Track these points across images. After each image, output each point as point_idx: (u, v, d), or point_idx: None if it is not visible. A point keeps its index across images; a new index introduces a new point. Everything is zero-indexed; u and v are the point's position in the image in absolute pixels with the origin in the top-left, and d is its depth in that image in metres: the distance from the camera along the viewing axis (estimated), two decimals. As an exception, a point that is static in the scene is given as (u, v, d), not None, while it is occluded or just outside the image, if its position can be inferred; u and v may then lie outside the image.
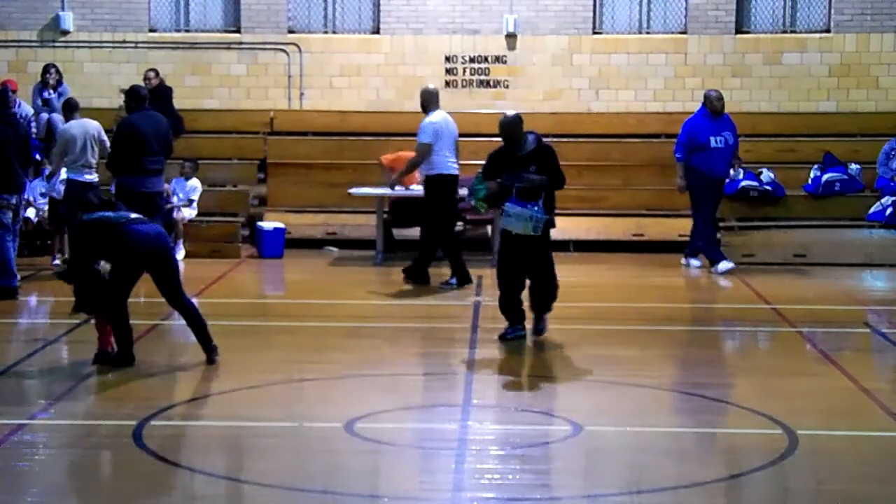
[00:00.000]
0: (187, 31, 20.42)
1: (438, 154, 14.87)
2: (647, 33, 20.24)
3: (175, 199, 17.33)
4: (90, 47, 20.22)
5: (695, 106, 18.79)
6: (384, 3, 20.08)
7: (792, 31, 20.19)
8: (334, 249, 17.95)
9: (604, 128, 19.71)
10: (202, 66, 20.23)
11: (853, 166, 18.30)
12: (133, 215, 10.73)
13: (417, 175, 15.71)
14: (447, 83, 20.09)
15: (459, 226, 17.22)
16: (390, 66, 20.10)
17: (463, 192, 15.46)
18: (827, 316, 13.59)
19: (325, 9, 20.41)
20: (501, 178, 11.45)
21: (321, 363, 10.99)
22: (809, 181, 18.24)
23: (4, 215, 13.89)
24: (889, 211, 17.38)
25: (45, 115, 18.30)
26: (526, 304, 11.85)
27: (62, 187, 15.66)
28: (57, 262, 15.46)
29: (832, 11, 20.00)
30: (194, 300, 11.36)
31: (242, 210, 18.40)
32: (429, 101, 15.15)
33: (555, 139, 18.74)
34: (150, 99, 15.55)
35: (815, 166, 18.39)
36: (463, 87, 20.17)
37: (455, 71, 20.17)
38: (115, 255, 10.52)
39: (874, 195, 17.89)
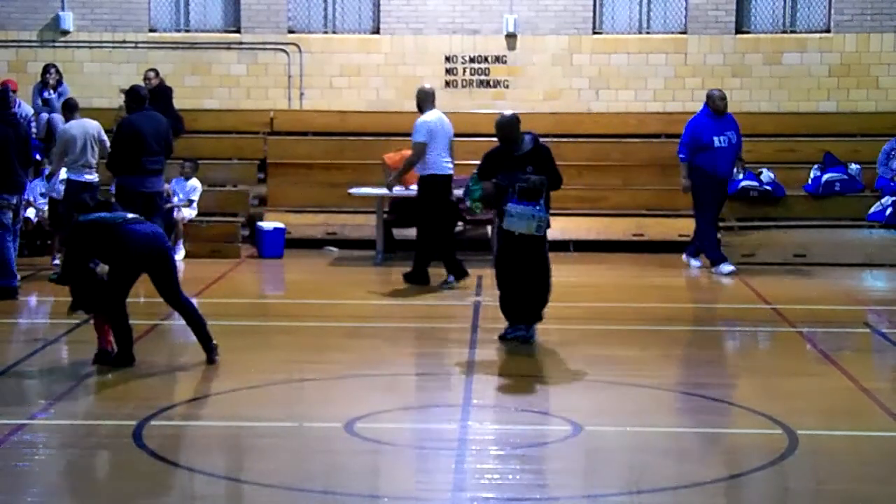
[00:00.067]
0: (187, 31, 20.43)
1: (432, 153, 14.86)
2: (647, 33, 20.24)
3: (175, 200, 17.33)
4: (90, 47, 20.22)
5: (695, 106, 18.82)
6: (384, 3, 20.08)
7: (792, 31, 20.19)
8: (334, 249, 17.95)
9: (604, 128, 19.71)
10: (202, 66, 20.23)
11: (853, 166, 18.30)
12: (130, 215, 10.71)
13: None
14: (447, 83, 20.09)
15: (459, 226, 17.26)
16: (390, 66, 20.11)
17: (458, 192, 15.49)
18: (827, 316, 13.59)
19: (325, 9, 20.41)
20: (497, 178, 11.41)
21: (321, 363, 10.99)
22: (809, 181, 18.25)
23: (4, 215, 13.89)
24: (889, 211, 17.38)
25: (45, 115, 18.30)
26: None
27: (62, 187, 15.65)
28: (57, 261, 15.46)
29: (832, 11, 20.00)
30: (194, 300, 11.36)
31: (242, 210, 18.40)
32: (424, 100, 15.15)
33: (555, 139, 18.80)
34: (150, 99, 15.55)
35: (815, 166, 18.39)
36: (463, 87, 20.17)
37: (455, 71, 20.18)
38: (113, 255, 10.51)
39: (874, 195, 17.89)
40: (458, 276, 14.88)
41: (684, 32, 20.11)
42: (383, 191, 16.21)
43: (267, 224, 17.61)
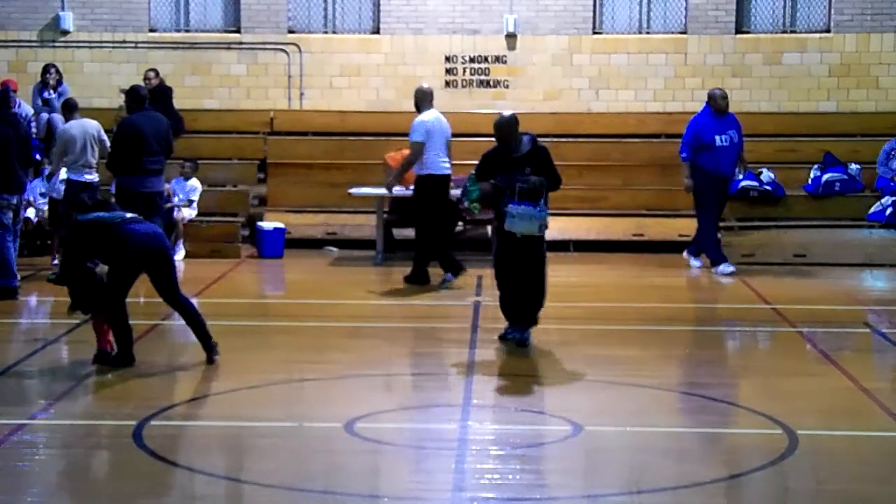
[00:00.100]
0: (187, 31, 20.43)
1: (430, 153, 14.86)
2: (647, 33, 20.24)
3: (175, 200, 17.32)
4: (90, 47, 20.22)
5: (695, 106, 18.82)
6: (384, 3, 20.08)
7: (792, 31, 20.19)
8: (334, 249, 17.95)
9: (604, 128, 19.71)
10: (202, 66, 20.23)
11: (853, 166, 18.30)
12: (129, 215, 10.71)
13: None
14: (447, 83, 20.10)
15: (460, 226, 17.26)
16: (390, 66, 20.11)
17: (456, 192, 15.50)
18: (827, 316, 13.59)
19: (325, 9, 20.41)
20: (495, 179, 11.37)
21: (321, 363, 10.99)
22: (809, 181, 18.25)
23: (5, 215, 13.89)
24: (889, 211, 17.38)
25: (45, 115, 18.30)
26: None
27: (62, 187, 15.65)
28: (56, 261, 15.46)
29: (832, 11, 20.00)
30: (194, 300, 11.37)
31: (242, 210, 18.40)
32: (422, 100, 15.15)
33: (555, 139, 18.82)
34: (150, 99, 15.55)
35: (815, 166, 18.39)
36: (463, 87, 20.17)
37: (455, 71, 20.18)
38: (113, 255, 10.50)
39: (874, 195, 17.89)
40: (455, 271, 14.87)
41: (684, 32, 20.12)
42: (383, 191, 16.20)
43: (267, 224, 17.61)
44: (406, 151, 16.00)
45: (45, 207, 16.74)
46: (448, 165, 15.10)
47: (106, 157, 15.23)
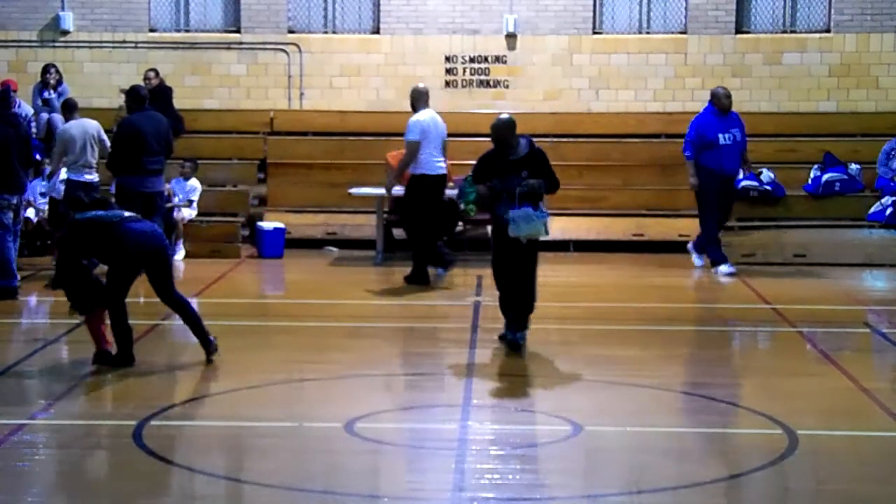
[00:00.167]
0: (187, 31, 20.43)
1: (424, 153, 14.87)
2: (647, 33, 20.24)
3: (175, 200, 17.32)
4: (90, 47, 20.22)
5: (695, 106, 18.84)
6: (384, 3, 20.08)
7: (792, 31, 20.19)
8: (334, 249, 17.94)
9: (604, 128, 19.70)
10: (202, 66, 20.24)
11: (853, 166, 18.30)
12: (127, 213, 10.70)
13: None
14: (447, 83, 20.10)
15: (460, 226, 17.26)
16: (390, 66, 20.10)
17: (452, 192, 15.50)
18: (827, 316, 13.59)
19: (325, 9, 20.41)
20: (492, 182, 11.34)
21: (321, 363, 10.99)
22: (809, 181, 18.25)
23: (5, 215, 13.89)
24: (889, 211, 17.38)
25: (45, 115, 18.31)
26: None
27: (62, 187, 15.65)
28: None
29: (832, 11, 20.00)
30: (194, 300, 11.38)
31: (242, 210, 18.40)
32: (418, 99, 15.16)
33: (555, 139, 18.87)
34: (150, 99, 15.55)
35: (815, 166, 18.39)
36: (463, 87, 20.17)
37: (455, 71, 20.18)
38: (112, 254, 10.49)
39: (874, 195, 17.89)
40: (444, 265, 14.85)
41: (684, 32, 20.12)
42: (383, 191, 16.20)
43: (267, 224, 17.61)
44: (405, 151, 16.01)
45: (46, 207, 16.73)
46: (443, 165, 15.10)
47: (106, 157, 15.23)
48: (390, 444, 8.84)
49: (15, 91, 16.81)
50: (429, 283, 14.90)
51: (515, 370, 11.02)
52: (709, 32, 20.01)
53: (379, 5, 20.14)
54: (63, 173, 15.64)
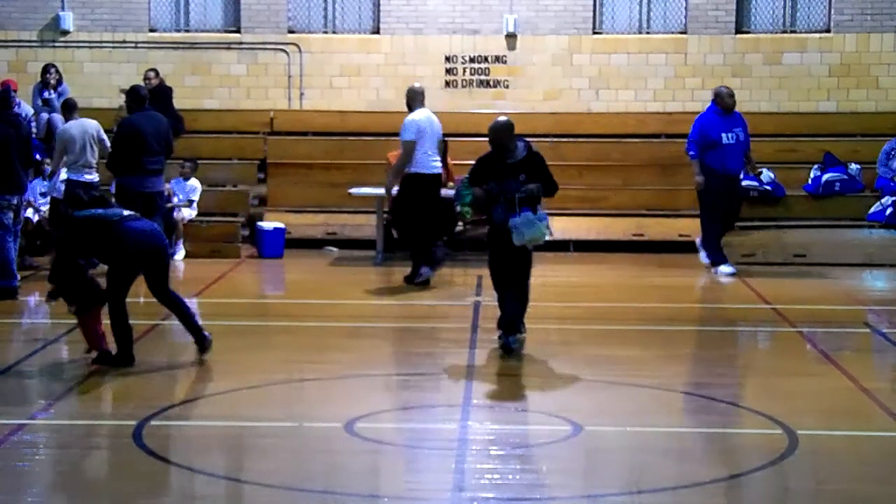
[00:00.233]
0: (187, 31, 20.43)
1: (420, 152, 14.86)
2: (647, 33, 20.24)
3: (175, 200, 17.32)
4: (90, 47, 20.23)
5: (695, 106, 18.85)
6: (384, 3, 20.08)
7: (792, 31, 20.19)
8: (334, 249, 17.94)
9: (604, 128, 19.70)
10: (202, 66, 20.24)
11: (853, 166, 18.30)
12: (126, 212, 10.70)
13: None
14: (447, 83, 20.10)
15: (459, 226, 17.26)
16: (390, 66, 20.10)
17: (449, 192, 15.50)
18: (827, 316, 13.59)
19: (325, 9, 20.41)
20: (488, 185, 11.30)
21: (321, 363, 10.99)
22: (809, 181, 18.25)
23: (5, 216, 13.88)
24: (889, 211, 17.38)
25: (45, 115, 18.31)
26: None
27: (63, 187, 15.66)
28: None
29: (832, 11, 20.00)
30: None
31: (242, 210, 18.40)
32: (413, 99, 15.16)
33: (555, 139, 18.88)
34: (150, 99, 15.55)
35: (815, 166, 18.39)
36: (463, 87, 20.17)
37: (455, 71, 20.18)
38: (111, 253, 10.48)
39: (874, 195, 17.90)
40: (432, 265, 14.84)
41: (684, 32, 20.11)
42: (383, 191, 16.20)
43: (267, 224, 17.61)
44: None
45: (45, 207, 16.73)
46: (438, 164, 15.09)
47: (106, 157, 15.24)
48: (390, 444, 8.84)
49: (15, 91, 16.80)
50: (429, 283, 14.89)
51: (515, 370, 11.02)
52: (709, 32, 20.01)
53: (379, 5, 20.15)
54: (63, 173, 15.64)
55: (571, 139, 19.27)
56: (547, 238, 11.26)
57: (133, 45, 20.18)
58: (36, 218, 16.98)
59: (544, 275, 14.97)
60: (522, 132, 12.04)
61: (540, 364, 11.18)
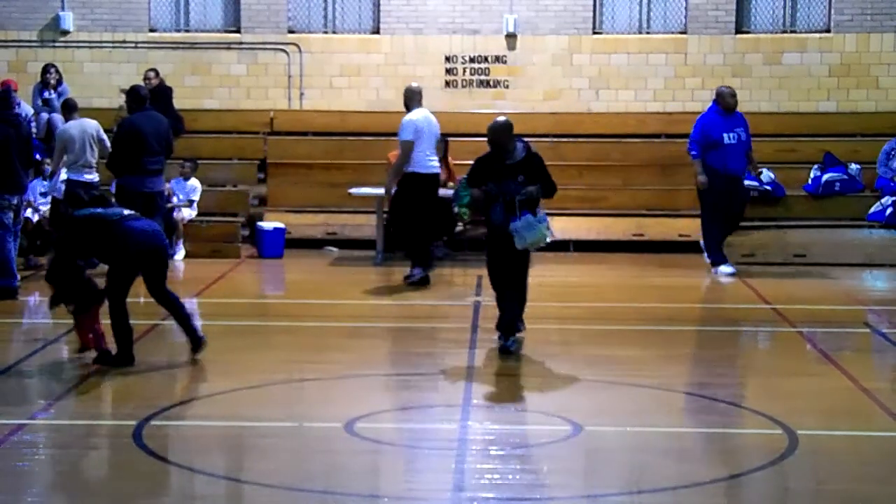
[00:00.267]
0: (187, 31, 20.43)
1: (417, 152, 14.86)
2: (647, 33, 20.24)
3: (175, 200, 17.32)
4: (90, 47, 20.23)
5: (695, 106, 18.86)
6: (384, 3, 20.08)
7: (792, 31, 20.19)
8: (334, 249, 17.94)
9: (604, 128, 19.70)
10: (202, 66, 20.24)
11: (853, 166, 18.30)
12: (127, 212, 10.70)
13: None
14: (447, 83, 20.10)
15: (459, 226, 17.26)
16: (390, 66, 20.10)
17: (446, 192, 15.52)
18: (827, 316, 13.59)
19: (325, 9, 20.41)
20: (487, 185, 11.28)
21: (321, 363, 10.99)
22: (809, 181, 18.25)
23: (5, 216, 13.88)
24: (889, 211, 17.38)
25: (45, 115, 18.31)
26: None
27: (63, 187, 15.67)
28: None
29: (832, 11, 20.00)
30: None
31: (242, 210, 18.40)
32: (411, 98, 15.16)
33: (555, 139, 18.88)
34: (151, 99, 15.55)
35: (815, 166, 18.39)
36: (463, 87, 20.17)
37: (455, 71, 20.18)
38: (111, 253, 10.48)
39: (874, 195, 17.90)
40: (425, 266, 14.82)
41: (684, 32, 20.12)
42: (383, 191, 16.20)
43: (267, 224, 17.61)
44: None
45: (45, 207, 16.73)
46: (436, 164, 15.09)
47: (106, 157, 15.24)
48: (390, 444, 8.84)
49: (15, 91, 16.80)
50: (429, 283, 14.90)
51: (515, 370, 11.03)
52: (709, 32, 20.01)
53: (379, 5, 20.15)
54: (63, 173, 15.64)
55: (571, 139, 19.27)
56: (549, 240, 11.23)
57: (133, 45, 20.18)
58: (36, 218, 16.97)
59: (544, 275, 15.00)
60: (522, 132, 12.04)
61: (540, 364, 11.18)
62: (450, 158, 17.17)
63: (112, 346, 10.66)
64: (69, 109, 16.01)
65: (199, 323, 12.86)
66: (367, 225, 17.69)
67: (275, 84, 20.21)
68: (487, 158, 11.36)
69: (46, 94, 18.55)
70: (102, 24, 20.22)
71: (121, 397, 9.89)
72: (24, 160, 14.08)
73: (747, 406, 9.78)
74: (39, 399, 9.89)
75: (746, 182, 17.50)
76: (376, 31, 20.25)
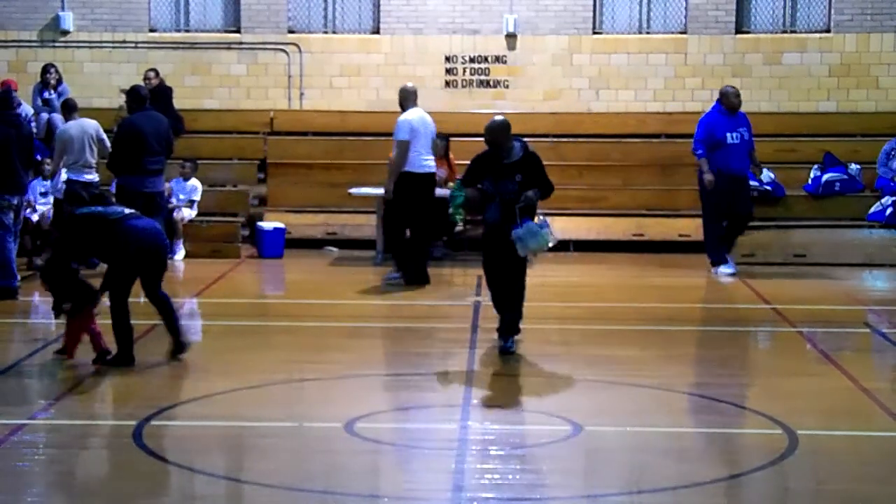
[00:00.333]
0: (187, 31, 20.43)
1: (412, 151, 14.86)
2: (647, 33, 20.24)
3: (174, 200, 17.31)
4: (90, 47, 20.23)
5: (695, 106, 18.88)
6: (384, 3, 20.09)
7: (792, 31, 20.19)
8: (334, 249, 17.95)
9: (604, 128, 19.70)
10: (202, 66, 20.24)
11: (853, 166, 18.30)
12: (128, 211, 10.69)
13: None
14: (447, 83, 20.10)
15: (459, 226, 17.26)
16: (390, 66, 20.10)
17: (442, 192, 15.50)
18: (827, 316, 13.59)
19: (325, 9, 20.42)
20: (483, 185, 11.27)
21: (321, 363, 10.99)
22: (809, 181, 18.25)
23: (6, 216, 13.87)
24: (889, 211, 17.38)
25: (45, 115, 18.31)
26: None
27: (63, 188, 15.67)
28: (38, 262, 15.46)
29: (832, 11, 20.00)
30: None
31: (242, 210, 18.40)
32: (406, 98, 15.16)
33: (555, 139, 18.89)
34: (151, 99, 15.55)
35: (815, 166, 18.39)
36: (463, 87, 20.17)
37: (455, 71, 20.18)
38: (112, 252, 10.47)
39: (874, 195, 17.90)
40: (406, 276, 14.81)
41: (684, 32, 20.12)
42: (383, 191, 16.19)
43: (267, 224, 17.61)
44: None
45: (45, 207, 16.72)
46: (431, 164, 15.08)
47: (106, 157, 15.24)
48: (390, 444, 8.85)
49: (15, 91, 16.79)
50: (429, 283, 14.89)
51: (515, 370, 11.02)
52: (709, 32, 20.01)
53: (379, 5, 20.15)
54: (64, 174, 15.64)
55: (571, 139, 19.27)
56: (550, 245, 11.20)
57: (133, 45, 20.19)
58: (35, 217, 16.97)
59: (544, 275, 15.00)
60: (522, 132, 12.04)
61: (540, 364, 11.18)
62: (451, 156, 17.16)
63: (111, 345, 10.65)
64: (69, 109, 16.01)
65: (199, 323, 12.92)
66: (367, 225, 17.69)
67: (275, 84, 20.21)
68: (485, 157, 11.32)
69: (46, 94, 18.55)
70: (102, 24, 20.23)
71: (121, 397, 9.90)
72: (24, 160, 14.07)
73: (747, 406, 9.78)
74: (39, 399, 9.89)
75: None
76: (376, 31, 20.25)
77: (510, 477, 7.97)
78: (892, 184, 17.79)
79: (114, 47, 20.21)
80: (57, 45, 20.20)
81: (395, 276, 14.89)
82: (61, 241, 10.68)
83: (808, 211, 17.95)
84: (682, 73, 20.04)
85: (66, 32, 20.21)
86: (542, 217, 11.24)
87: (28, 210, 16.51)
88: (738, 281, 15.63)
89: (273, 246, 17.34)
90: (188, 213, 17.42)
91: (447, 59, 20.17)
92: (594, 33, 20.16)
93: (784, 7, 20.21)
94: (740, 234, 16.48)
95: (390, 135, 18.62)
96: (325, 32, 20.37)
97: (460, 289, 15.17)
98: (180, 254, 16.95)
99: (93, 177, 15.56)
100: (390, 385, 10.55)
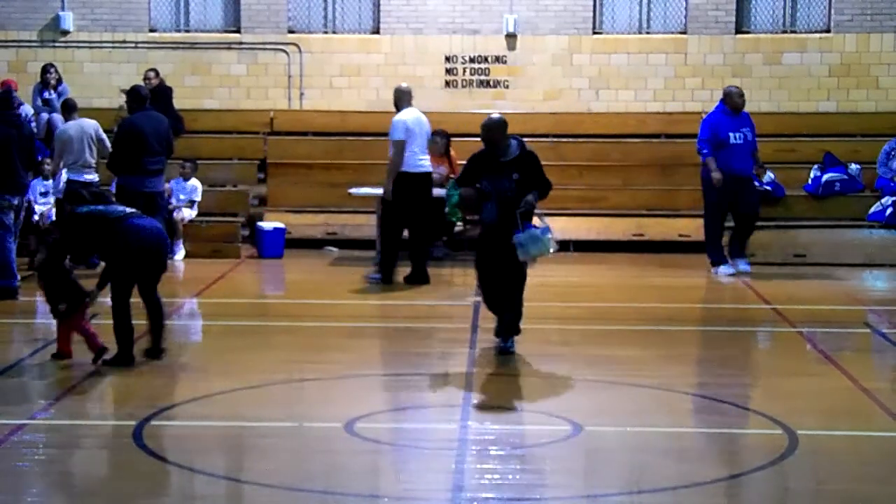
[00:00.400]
0: (187, 31, 20.43)
1: (407, 151, 14.85)
2: (647, 33, 20.24)
3: (174, 201, 17.31)
4: (90, 47, 20.23)
5: (695, 106, 18.88)
6: (384, 3, 20.09)
7: (792, 31, 20.19)
8: (334, 249, 17.95)
9: (604, 128, 19.70)
10: (202, 66, 20.24)
11: (853, 166, 18.30)
12: (129, 210, 10.69)
13: None
14: (447, 83, 20.10)
15: (459, 226, 17.25)
16: (390, 66, 20.10)
17: (440, 192, 15.49)
18: (827, 316, 13.59)
19: (325, 9, 20.42)
20: (481, 183, 11.23)
21: (321, 363, 10.99)
22: (809, 181, 18.25)
23: (6, 216, 13.87)
24: (889, 211, 17.38)
25: (45, 115, 18.31)
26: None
27: (64, 188, 15.67)
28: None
29: (832, 11, 20.00)
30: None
31: (242, 210, 18.40)
32: (401, 98, 15.16)
33: (555, 139, 18.89)
34: (151, 99, 15.55)
35: (815, 166, 18.39)
36: (463, 87, 20.17)
37: (455, 71, 20.18)
38: (112, 251, 10.45)
39: (874, 195, 17.90)
40: (386, 279, 14.83)
41: (684, 32, 20.12)
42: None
43: (267, 224, 17.61)
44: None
45: (45, 207, 16.72)
46: (427, 164, 15.08)
47: (106, 157, 15.24)
48: (390, 444, 8.85)
49: (15, 91, 16.79)
50: (429, 283, 14.90)
51: (515, 370, 11.02)
52: (709, 32, 20.02)
53: (379, 5, 20.15)
54: (64, 174, 15.64)
55: (571, 139, 19.27)
56: (552, 251, 11.16)
57: (133, 45, 20.19)
58: (35, 217, 16.97)
59: (544, 275, 14.97)
60: (522, 132, 12.04)
61: (540, 364, 11.18)
62: (453, 154, 17.15)
63: (108, 343, 10.64)
64: (69, 109, 16.01)
65: (199, 323, 12.93)
66: (367, 225, 17.68)
67: (275, 84, 20.21)
68: (481, 156, 11.28)
69: (46, 94, 18.55)
70: (102, 24, 20.23)
71: (121, 397, 9.90)
72: (25, 160, 14.07)
73: (747, 406, 9.78)
74: (39, 399, 9.89)
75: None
76: (376, 31, 20.25)
77: (510, 477, 7.98)
78: (892, 184, 17.79)
79: (114, 47, 20.21)
80: (57, 45, 20.20)
81: (375, 277, 14.94)
82: (59, 241, 10.67)
83: (808, 211, 17.95)
84: (682, 74, 20.04)
85: (66, 32, 20.21)
86: (544, 221, 11.22)
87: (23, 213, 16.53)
88: (738, 281, 15.63)
89: (273, 246, 17.34)
90: (188, 214, 17.42)
91: (447, 59, 20.18)
92: (594, 33, 20.16)
93: (784, 7, 20.21)
94: (749, 234, 16.42)
95: (389, 135, 18.72)
96: (325, 32, 20.37)
97: (460, 289, 15.17)
98: (180, 254, 16.95)
99: (93, 177, 15.56)
100: (390, 385, 10.55)
